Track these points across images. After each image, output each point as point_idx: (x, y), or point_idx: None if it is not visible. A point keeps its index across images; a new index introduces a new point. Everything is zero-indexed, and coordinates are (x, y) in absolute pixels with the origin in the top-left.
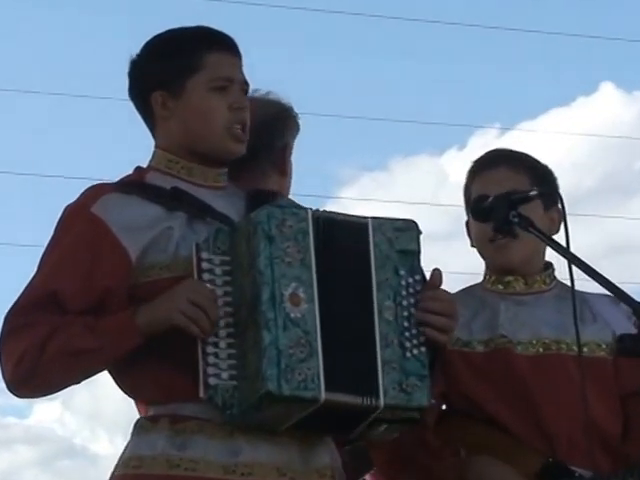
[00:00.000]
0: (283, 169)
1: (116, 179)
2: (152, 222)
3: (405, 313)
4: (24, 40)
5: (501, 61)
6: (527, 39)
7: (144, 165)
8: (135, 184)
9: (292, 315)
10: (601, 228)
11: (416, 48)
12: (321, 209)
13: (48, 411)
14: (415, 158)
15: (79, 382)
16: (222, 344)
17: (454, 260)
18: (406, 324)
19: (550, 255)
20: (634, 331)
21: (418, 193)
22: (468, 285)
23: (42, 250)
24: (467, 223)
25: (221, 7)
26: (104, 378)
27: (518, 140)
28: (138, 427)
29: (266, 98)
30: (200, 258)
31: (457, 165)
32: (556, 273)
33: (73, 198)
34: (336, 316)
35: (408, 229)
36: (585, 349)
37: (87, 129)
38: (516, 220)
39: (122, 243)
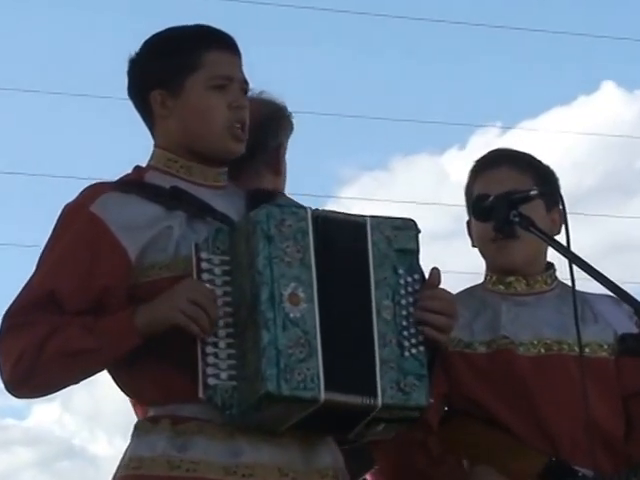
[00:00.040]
0: (277, 169)
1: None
2: (151, 221)
3: (404, 312)
4: (24, 39)
5: (502, 60)
6: (528, 38)
7: (143, 164)
8: (134, 183)
9: (291, 315)
10: (602, 227)
11: (417, 47)
12: (320, 208)
13: (47, 412)
14: (416, 157)
15: (78, 382)
16: (221, 344)
17: (455, 260)
18: (404, 323)
19: (551, 255)
20: (636, 331)
21: (418, 192)
22: (469, 286)
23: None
24: (468, 223)
25: (221, 5)
26: (103, 379)
27: (519, 139)
28: (138, 428)
29: (259, 98)
30: (199, 258)
31: (458, 164)
32: (557, 273)
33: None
34: (335, 316)
35: (407, 228)
36: (587, 349)
37: (88, 129)
38: (517, 220)
39: (121, 243)
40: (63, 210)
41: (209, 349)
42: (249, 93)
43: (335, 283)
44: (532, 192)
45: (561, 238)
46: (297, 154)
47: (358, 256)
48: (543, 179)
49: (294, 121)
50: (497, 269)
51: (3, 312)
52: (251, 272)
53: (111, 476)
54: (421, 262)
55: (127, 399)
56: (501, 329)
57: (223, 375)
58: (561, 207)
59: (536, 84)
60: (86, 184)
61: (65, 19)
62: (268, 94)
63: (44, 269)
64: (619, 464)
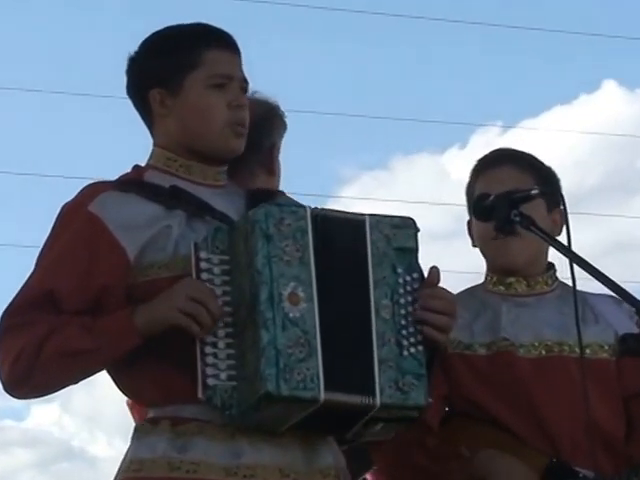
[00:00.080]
0: (271, 169)
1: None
2: (150, 221)
3: (402, 311)
4: (23, 38)
5: (502, 59)
6: (529, 37)
7: (143, 164)
8: (133, 182)
9: (291, 315)
10: (603, 226)
11: (417, 46)
12: (319, 207)
13: (46, 413)
14: (416, 156)
15: (77, 382)
16: (221, 344)
17: (455, 260)
18: (403, 322)
19: (552, 255)
20: (636, 331)
21: (419, 192)
22: (469, 286)
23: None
24: (469, 222)
25: (221, 4)
26: (103, 379)
27: (520, 138)
28: (138, 430)
29: (253, 98)
30: (198, 257)
31: (458, 163)
32: (558, 273)
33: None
34: (334, 315)
35: (406, 226)
36: (588, 350)
37: (87, 128)
38: (517, 219)
39: (120, 242)
40: (62, 209)
41: (208, 349)
42: None
43: (334, 282)
44: (533, 192)
45: (562, 238)
46: (297, 153)
47: (357, 255)
48: (544, 179)
49: (287, 120)
50: (498, 269)
51: (1, 312)
52: (250, 271)
53: (110, 478)
54: (421, 262)
55: (131, 401)
56: (501, 331)
57: (222, 375)
58: (562, 207)
59: (537, 83)
60: (85, 184)
61: (64, 18)
62: (261, 94)
63: (42, 268)
64: (619, 465)
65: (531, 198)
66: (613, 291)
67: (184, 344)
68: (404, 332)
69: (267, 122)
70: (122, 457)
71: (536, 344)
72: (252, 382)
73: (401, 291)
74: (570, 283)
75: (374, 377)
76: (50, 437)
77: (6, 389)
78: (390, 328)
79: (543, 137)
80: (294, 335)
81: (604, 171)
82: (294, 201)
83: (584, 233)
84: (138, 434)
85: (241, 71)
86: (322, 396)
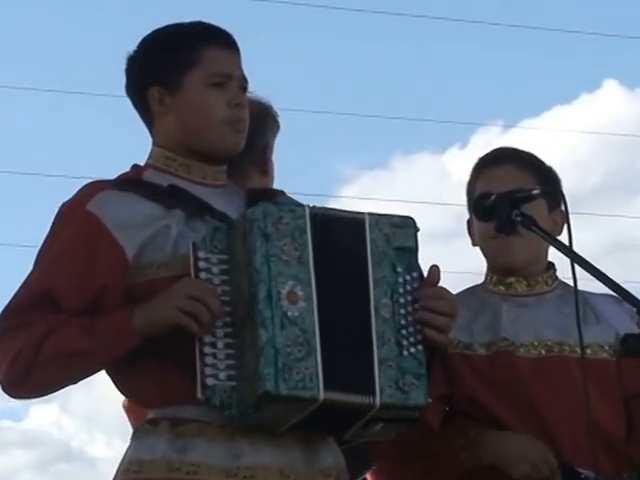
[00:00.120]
0: (265, 169)
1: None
2: (149, 220)
3: (402, 311)
4: (22, 37)
5: (503, 58)
6: (529, 36)
7: (142, 164)
8: (132, 181)
9: (289, 313)
10: (604, 227)
11: (418, 45)
12: (319, 205)
13: (45, 414)
14: (416, 156)
15: (76, 382)
16: (220, 344)
17: (455, 260)
18: (403, 322)
19: (552, 255)
20: (637, 331)
21: (419, 192)
22: (469, 286)
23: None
24: (469, 221)
25: (221, 3)
26: (102, 380)
27: (521, 138)
28: (137, 431)
29: None
30: (197, 257)
31: (459, 163)
32: (558, 273)
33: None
34: (333, 314)
35: (405, 226)
36: (588, 350)
37: (87, 127)
38: (518, 219)
39: (118, 241)
40: (60, 209)
41: (207, 349)
42: None
43: (333, 281)
44: (534, 191)
45: (563, 238)
46: (297, 153)
47: (357, 254)
48: (545, 178)
49: (286, 120)
50: (498, 268)
51: (0, 312)
52: (248, 270)
53: (110, 479)
54: (421, 262)
55: (127, 402)
56: (501, 330)
57: (222, 375)
58: (563, 207)
59: (538, 82)
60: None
61: (64, 16)
62: (254, 94)
63: (41, 268)
64: (620, 465)
65: (532, 198)
66: (614, 291)
67: (184, 344)
68: (404, 332)
69: (260, 122)
70: (121, 458)
71: (536, 344)
72: (251, 382)
73: (401, 290)
74: (571, 283)
75: (374, 377)
76: (49, 438)
77: (4, 389)
78: (390, 327)
79: (544, 137)
80: (293, 334)
81: (605, 171)
82: (294, 200)
83: (585, 233)
84: (137, 435)
85: (240, 70)
86: (321, 395)
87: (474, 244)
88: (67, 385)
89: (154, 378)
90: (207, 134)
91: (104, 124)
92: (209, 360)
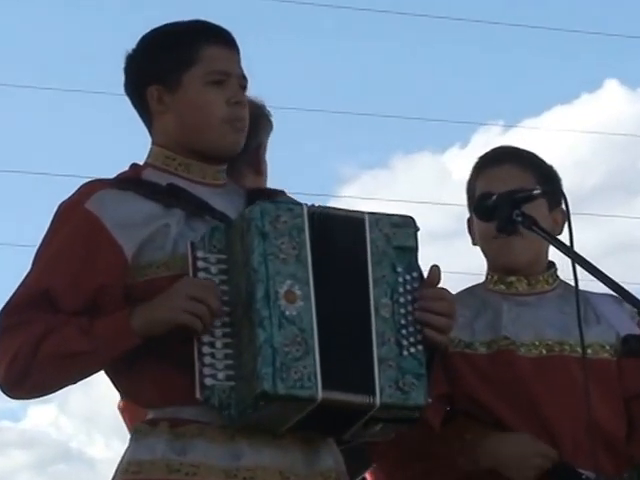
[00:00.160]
0: (258, 168)
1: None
2: (148, 219)
3: (402, 310)
4: (20, 35)
5: (504, 58)
6: (530, 36)
7: (142, 163)
8: (131, 180)
9: (287, 313)
10: (605, 227)
11: (418, 44)
12: (317, 204)
13: (43, 414)
14: (417, 156)
15: (75, 383)
16: (218, 344)
17: (456, 260)
18: (403, 322)
19: (553, 255)
20: (637, 331)
21: (419, 191)
22: (470, 285)
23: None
24: (469, 221)
25: (222, 2)
26: (100, 380)
27: (521, 137)
28: (137, 431)
29: None
30: (195, 257)
31: (459, 163)
32: (559, 273)
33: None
34: (332, 313)
35: (405, 225)
36: (589, 350)
37: (87, 126)
38: (519, 219)
39: (117, 241)
40: (58, 208)
41: (205, 349)
42: None
43: (332, 280)
44: (535, 191)
45: (564, 237)
46: (297, 152)
47: (356, 253)
48: (546, 178)
49: (285, 119)
50: (499, 268)
51: None
52: (246, 270)
53: (108, 479)
54: (421, 262)
55: (122, 403)
56: (502, 329)
57: (220, 375)
58: (564, 207)
59: (538, 82)
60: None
61: (63, 15)
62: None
63: (39, 267)
64: (621, 465)
65: (533, 198)
66: (614, 291)
67: (184, 344)
68: (404, 331)
69: (253, 122)
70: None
71: (537, 343)
72: (249, 382)
73: (401, 290)
74: (572, 283)
75: (374, 376)
76: (47, 438)
77: (3, 389)
78: (390, 327)
79: (544, 136)
80: (291, 333)
81: (606, 171)
82: (293, 200)
83: (585, 233)
84: (137, 435)
85: (240, 68)
86: (319, 395)
87: (474, 243)
88: (66, 385)
89: (154, 378)
90: (206, 133)
91: (104, 123)
92: (207, 360)
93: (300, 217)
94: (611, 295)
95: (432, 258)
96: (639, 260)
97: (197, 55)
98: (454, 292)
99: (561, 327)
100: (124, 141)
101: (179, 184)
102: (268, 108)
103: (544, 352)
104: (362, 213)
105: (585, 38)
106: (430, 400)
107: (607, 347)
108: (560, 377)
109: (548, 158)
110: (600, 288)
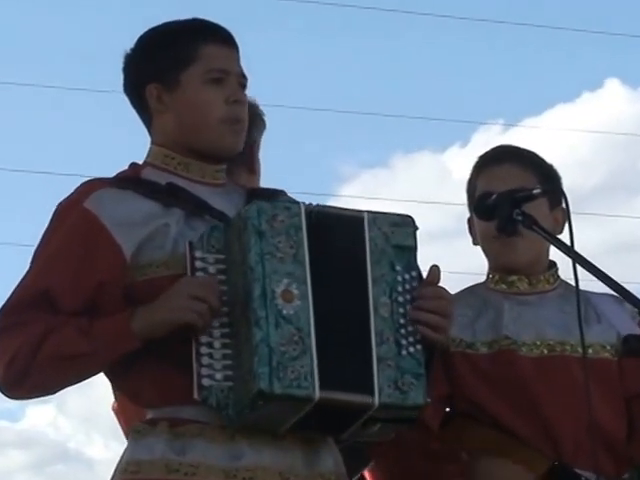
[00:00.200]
0: (252, 167)
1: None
2: (147, 218)
3: (401, 310)
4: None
5: (504, 56)
6: (531, 34)
7: (141, 162)
8: (130, 179)
9: (284, 312)
10: (606, 226)
11: (419, 43)
12: (315, 203)
13: (41, 414)
14: (417, 155)
15: (74, 384)
16: (216, 344)
17: (456, 259)
18: (402, 321)
19: (554, 255)
20: (639, 331)
21: (420, 191)
22: (470, 285)
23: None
24: (469, 221)
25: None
26: (99, 380)
27: (522, 137)
28: (136, 431)
29: None
30: (194, 257)
31: (460, 162)
32: (560, 273)
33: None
34: (330, 312)
35: (404, 224)
36: (590, 350)
37: (87, 125)
38: (520, 218)
39: (116, 240)
40: (57, 207)
41: (204, 349)
42: None
43: (331, 279)
44: (535, 191)
45: (564, 237)
46: (297, 151)
47: (355, 252)
48: (546, 177)
49: (266, 119)
50: (500, 268)
51: None
52: (243, 269)
53: None
54: (422, 262)
55: (116, 404)
56: (503, 329)
57: (218, 375)
58: (564, 206)
59: (539, 81)
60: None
61: (63, 14)
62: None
63: (37, 267)
64: (621, 466)
65: (534, 197)
66: (615, 291)
67: (184, 344)
68: (403, 331)
69: None
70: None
71: (538, 343)
72: (246, 381)
73: (400, 289)
74: (573, 282)
75: (373, 376)
76: (45, 438)
77: (1, 390)
78: (389, 327)
79: (545, 136)
80: (287, 333)
81: (607, 170)
82: (291, 199)
83: (586, 233)
84: (135, 435)
85: (239, 66)
86: (317, 394)
87: (475, 243)
88: (65, 387)
89: (153, 378)
90: (204, 133)
91: (106, 121)
92: (205, 360)
93: (297, 216)
94: (612, 295)
95: (432, 258)
96: None
97: (196, 53)
98: (454, 292)
99: (562, 327)
100: (127, 140)
101: (178, 183)
102: (261, 107)
103: (545, 352)
104: (360, 212)
105: (586, 37)
106: (429, 400)
107: (608, 347)
108: (561, 377)
109: (549, 157)
110: (601, 288)
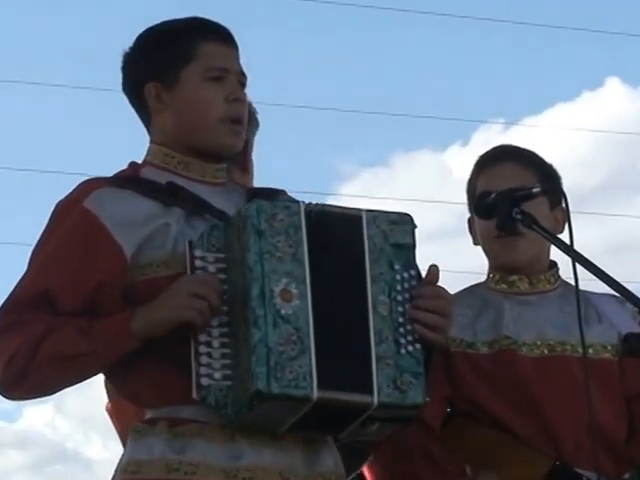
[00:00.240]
0: (245, 166)
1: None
2: (147, 218)
3: (400, 309)
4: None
5: (505, 55)
6: (532, 33)
7: (140, 161)
8: (130, 179)
9: (283, 311)
10: (606, 226)
11: (419, 42)
12: (315, 202)
13: (39, 415)
14: (417, 154)
15: (73, 385)
16: (215, 343)
17: (456, 259)
18: (401, 320)
19: (554, 254)
20: (639, 330)
21: (420, 190)
22: (470, 284)
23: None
24: (470, 221)
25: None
26: (98, 380)
27: (522, 136)
28: (135, 431)
29: None
30: (193, 256)
31: (460, 161)
32: (560, 273)
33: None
34: (329, 311)
35: (403, 222)
36: (590, 350)
37: (87, 124)
38: (519, 217)
39: (116, 240)
40: (56, 206)
41: (202, 349)
42: None
43: (330, 278)
44: (535, 189)
45: (564, 236)
46: (297, 150)
47: (354, 251)
48: (546, 176)
49: (259, 117)
50: (500, 267)
51: None
52: (242, 268)
53: None
54: (421, 261)
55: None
56: (504, 329)
57: (217, 375)
58: (564, 205)
59: (540, 80)
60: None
61: (64, 14)
62: None
63: (36, 267)
64: (621, 466)
65: (533, 196)
66: (616, 291)
67: (183, 344)
68: (402, 330)
69: None
70: (118, 459)
71: (538, 343)
72: (244, 381)
73: (399, 288)
74: (573, 282)
75: (371, 375)
76: (43, 439)
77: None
78: (388, 325)
79: (546, 135)
80: (286, 332)
81: (607, 169)
82: (290, 198)
83: (587, 232)
84: (135, 435)
85: (239, 65)
86: (315, 394)
87: (475, 243)
88: (64, 387)
89: (153, 378)
90: (204, 131)
91: (106, 120)
92: (204, 360)
93: (297, 215)
94: (612, 295)
95: (432, 257)
96: None
97: (195, 52)
98: (454, 292)
99: (562, 326)
100: (126, 140)
101: (178, 182)
102: (259, 106)
103: (546, 352)
104: (359, 210)
105: (586, 36)
106: (428, 399)
107: (609, 347)
108: (562, 377)
109: (549, 156)
110: (601, 287)
